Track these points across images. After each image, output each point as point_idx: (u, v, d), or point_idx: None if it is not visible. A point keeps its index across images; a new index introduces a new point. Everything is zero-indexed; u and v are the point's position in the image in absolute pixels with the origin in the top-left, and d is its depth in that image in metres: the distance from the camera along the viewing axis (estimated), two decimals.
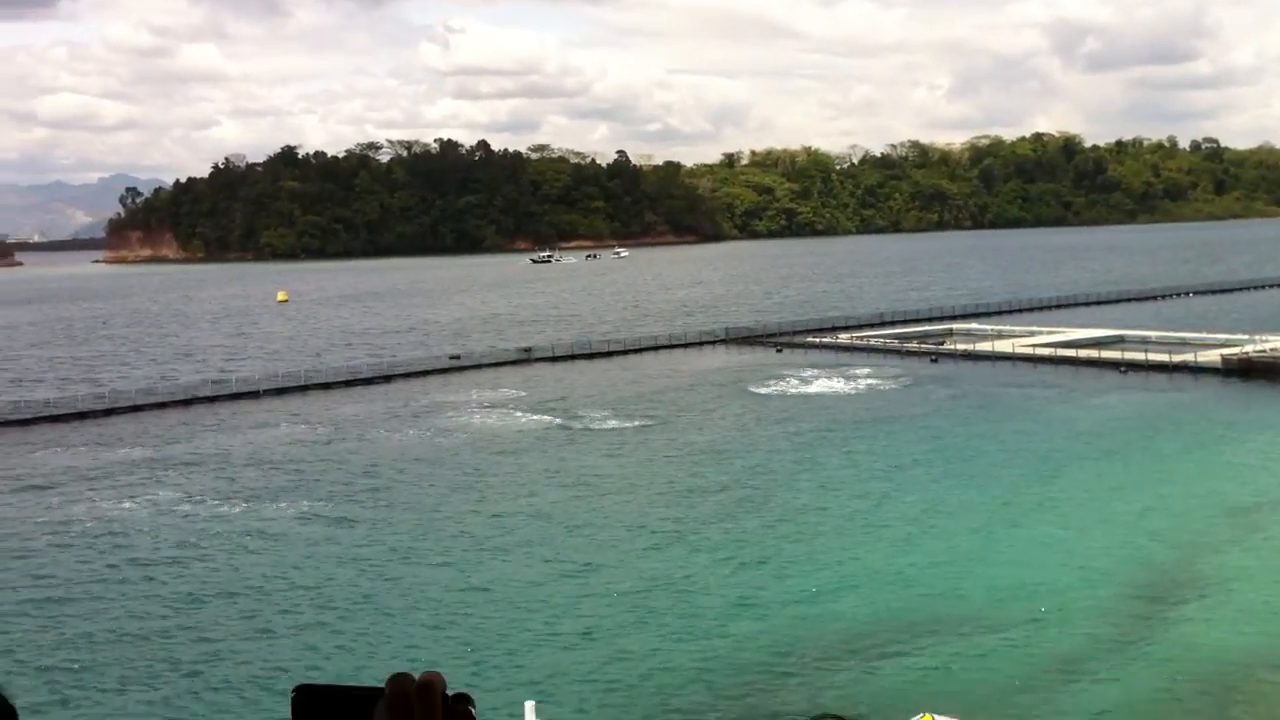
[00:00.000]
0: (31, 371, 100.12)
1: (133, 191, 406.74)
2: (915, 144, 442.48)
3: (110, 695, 29.78)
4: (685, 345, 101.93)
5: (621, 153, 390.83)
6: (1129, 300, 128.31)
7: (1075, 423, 60.74)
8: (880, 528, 42.67)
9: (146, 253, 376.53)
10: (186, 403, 78.30)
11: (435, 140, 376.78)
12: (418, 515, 47.14)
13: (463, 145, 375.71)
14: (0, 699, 2.19)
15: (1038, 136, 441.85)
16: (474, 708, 1.44)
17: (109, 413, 75.17)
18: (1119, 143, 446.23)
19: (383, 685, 1.40)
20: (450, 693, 1.41)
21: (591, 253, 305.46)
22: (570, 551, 41.15)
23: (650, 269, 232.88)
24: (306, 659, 31.90)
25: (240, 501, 50.23)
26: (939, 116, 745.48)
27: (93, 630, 34.67)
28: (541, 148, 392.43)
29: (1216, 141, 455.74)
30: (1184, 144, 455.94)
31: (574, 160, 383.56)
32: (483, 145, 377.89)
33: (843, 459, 54.86)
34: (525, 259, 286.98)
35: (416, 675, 1.39)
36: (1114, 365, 78.77)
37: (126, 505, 50.35)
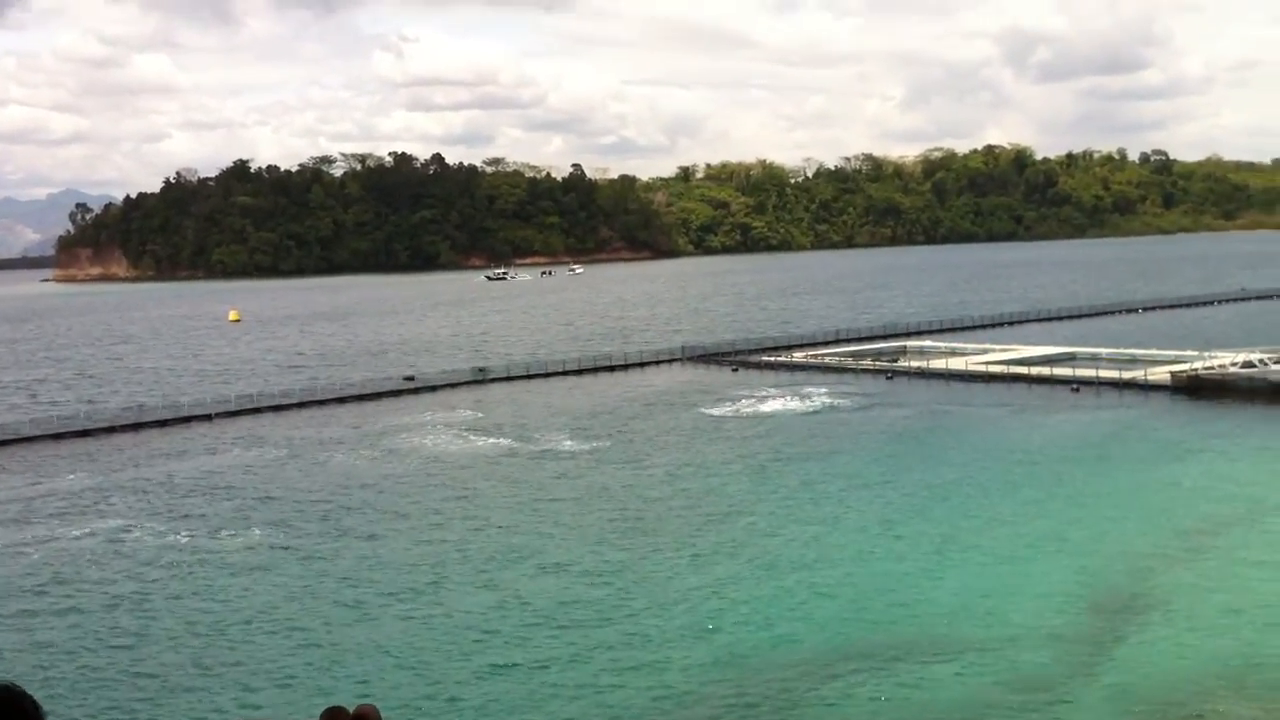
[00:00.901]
0: None
1: (82, 208, 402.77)
2: (869, 157, 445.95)
3: None
4: (641, 364, 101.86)
5: (577, 166, 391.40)
6: (1080, 316, 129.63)
7: (1028, 442, 61.11)
8: (836, 551, 42.66)
9: (97, 271, 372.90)
10: (135, 427, 77.34)
11: (389, 154, 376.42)
12: (368, 543, 46.70)
13: (417, 159, 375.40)
14: (14, 694, 2.30)
15: (989, 149, 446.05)
16: None
17: (57, 437, 74.13)
18: (1069, 155, 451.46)
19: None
20: None
21: (546, 269, 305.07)
22: (521, 579, 40.87)
23: (605, 286, 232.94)
24: (245, 696, 31.42)
25: (189, 530, 49.56)
26: (892, 128, 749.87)
27: (30, 665, 34.03)
28: (496, 161, 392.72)
29: (1165, 154, 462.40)
30: (1134, 156, 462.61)
31: (529, 174, 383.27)
32: (437, 159, 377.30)
33: (797, 480, 54.87)
34: (480, 276, 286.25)
35: (352, 709, 1.34)
36: (1066, 382, 79.38)
37: (74, 533, 49.61)
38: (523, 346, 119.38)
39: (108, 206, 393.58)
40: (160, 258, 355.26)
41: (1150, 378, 77.32)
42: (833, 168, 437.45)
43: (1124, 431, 63.49)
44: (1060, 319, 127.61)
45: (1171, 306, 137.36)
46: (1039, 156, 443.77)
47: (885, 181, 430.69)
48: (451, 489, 56.12)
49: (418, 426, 73.60)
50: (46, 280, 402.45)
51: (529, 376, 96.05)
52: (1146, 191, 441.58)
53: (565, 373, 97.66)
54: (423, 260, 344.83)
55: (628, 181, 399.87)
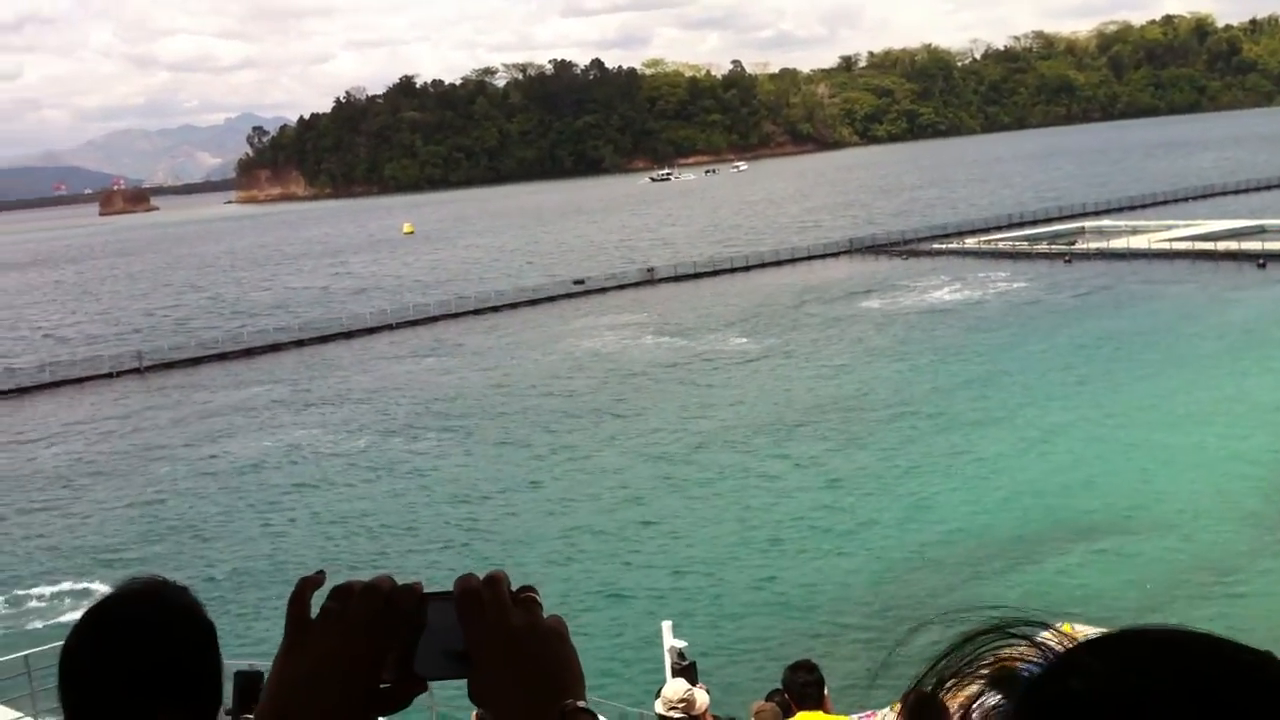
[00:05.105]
0: (182, 311, 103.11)
1: (259, 131, 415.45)
2: (1039, 34, 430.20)
3: (247, 620, 30.85)
4: (809, 258, 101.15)
5: (736, 63, 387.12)
6: (1271, 188, 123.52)
7: (1215, 320, 59.04)
8: (1022, 437, 42.14)
9: (276, 191, 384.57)
10: (322, 339, 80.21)
11: (549, 62, 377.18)
12: (542, 446, 47.85)
13: (576, 65, 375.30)
14: (197, 616, 2.27)
15: (1167, 19, 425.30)
16: (538, 595, 1.48)
17: (248, 353, 77.40)
18: (1254, 21, 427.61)
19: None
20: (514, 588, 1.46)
21: (710, 168, 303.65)
22: (711, 473, 41.48)
23: (769, 182, 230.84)
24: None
25: (369, 436, 51.51)
26: (1062, 4, 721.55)
27: (234, 562, 36.06)
28: (655, 62, 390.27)
29: None
30: None
31: (689, 74, 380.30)
32: (596, 64, 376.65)
33: (976, 369, 54.17)
34: (644, 178, 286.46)
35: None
36: (1253, 257, 76.05)
37: (265, 442, 52.03)
38: (690, 246, 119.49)
39: (283, 128, 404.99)
40: (336, 175, 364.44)
41: None
42: (1001, 48, 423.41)
43: None
44: (1248, 191, 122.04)
45: None
46: (1221, 24, 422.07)
47: (1057, 59, 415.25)
48: (626, 390, 56.97)
49: (589, 329, 74.70)
50: (230, 202, 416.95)
51: (697, 275, 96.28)
52: None
53: (733, 270, 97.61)
54: (587, 165, 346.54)
55: (789, 75, 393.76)
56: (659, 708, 10.83)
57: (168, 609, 2.26)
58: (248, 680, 3.51)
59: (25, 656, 18.42)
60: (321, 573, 1.45)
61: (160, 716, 2.12)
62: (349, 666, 1.42)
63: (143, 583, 2.32)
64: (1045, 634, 0.95)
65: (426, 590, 1.47)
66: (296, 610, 1.46)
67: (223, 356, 76.64)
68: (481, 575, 1.44)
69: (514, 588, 1.45)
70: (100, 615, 2.25)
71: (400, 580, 1.44)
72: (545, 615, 1.46)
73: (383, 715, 1.46)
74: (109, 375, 72.79)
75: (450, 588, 1.43)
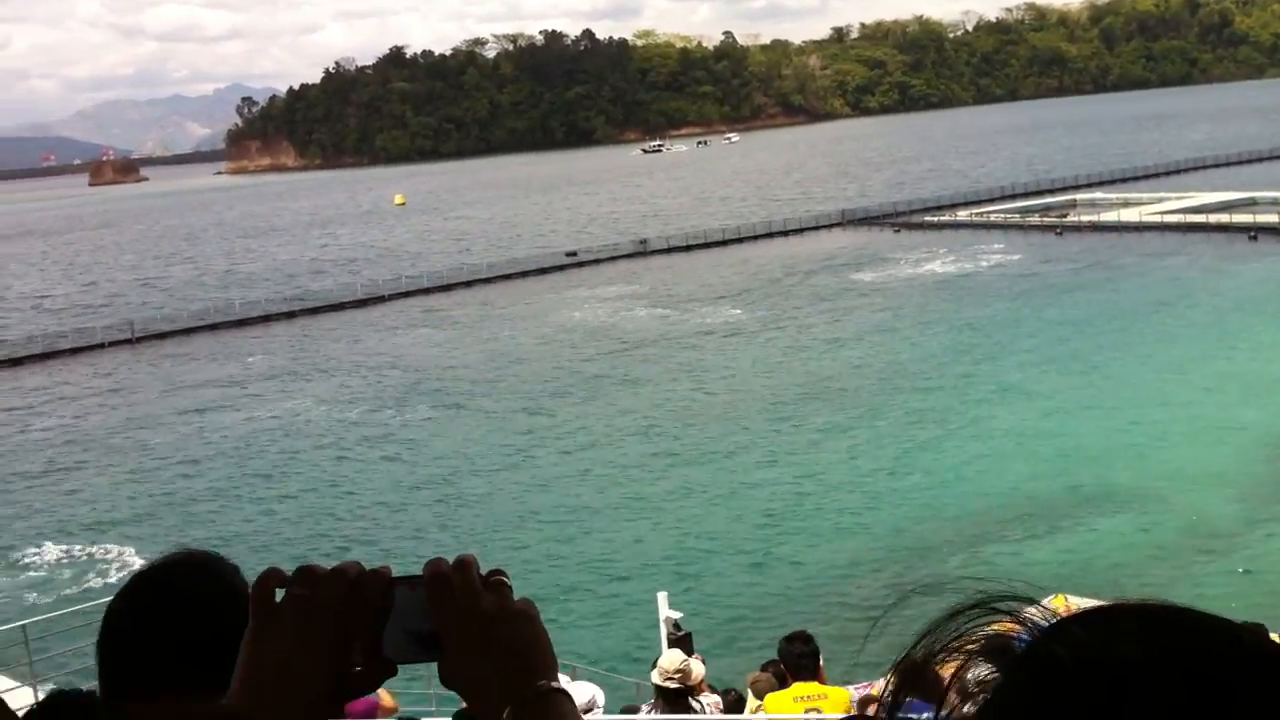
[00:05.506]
0: (171, 282, 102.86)
1: (248, 101, 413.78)
2: (1031, 5, 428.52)
3: None
4: (801, 230, 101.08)
5: (727, 34, 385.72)
6: (1262, 160, 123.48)
7: (1205, 291, 59.16)
8: (1014, 410, 42.21)
9: (266, 162, 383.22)
10: (314, 310, 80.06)
11: (540, 32, 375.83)
12: (534, 419, 47.89)
13: (567, 36, 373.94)
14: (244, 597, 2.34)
15: None
16: (508, 578, 1.49)
17: (240, 323, 77.22)
18: None
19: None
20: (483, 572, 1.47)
21: (702, 140, 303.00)
22: (704, 446, 41.56)
23: (761, 153, 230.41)
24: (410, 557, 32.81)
25: (361, 407, 51.51)
26: None
27: (224, 534, 36.11)
28: (647, 33, 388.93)
29: None
30: None
31: (680, 45, 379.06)
32: (587, 34, 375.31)
33: (966, 340, 54.27)
34: (636, 149, 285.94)
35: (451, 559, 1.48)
36: (1244, 230, 76.11)
37: (258, 414, 52.01)
38: (682, 217, 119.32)
39: (272, 98, 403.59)
40: (326, 146, 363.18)
41: None
42: (993, 19, 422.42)
43: None
44: (1239, 164, 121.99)
45: None
46: None
47: (1050, 30, 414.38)
48: (619, 361, 57.00)
49: (582, 301, 74.65)
50: (219, 173, 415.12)
51: (689, 247, 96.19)
52: None
53: (725, 242, 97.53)
54: (578, 136, 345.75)
55: (780, 46, 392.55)
56: (655, 678, 10.89)
57: (221, 584, 2.23)
58: None
59: (23, 626, 18.46)
60: (282, 570, 1.46)
61: (200, 692, 2.07)
62: (318, 650, 1.42)
63: (197, 554, 2.31)
64: (1031, 609, 0.99)
65: (395, 574, 1.48)
66: (261, 596, 1.46)
67: (214, 327, 76.44)
68: (451, 559, 1.45)
69: (484, 571, 1.47)
70: (153, 580, 2.24)
71: (375, 563, 1.45)
72: (517, 597, 1.47)
73: (352, 699, 1.48)
74: (100, 346, 72.63)
75: (420, 571, 1.44)
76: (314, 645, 1.42)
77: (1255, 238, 73.92)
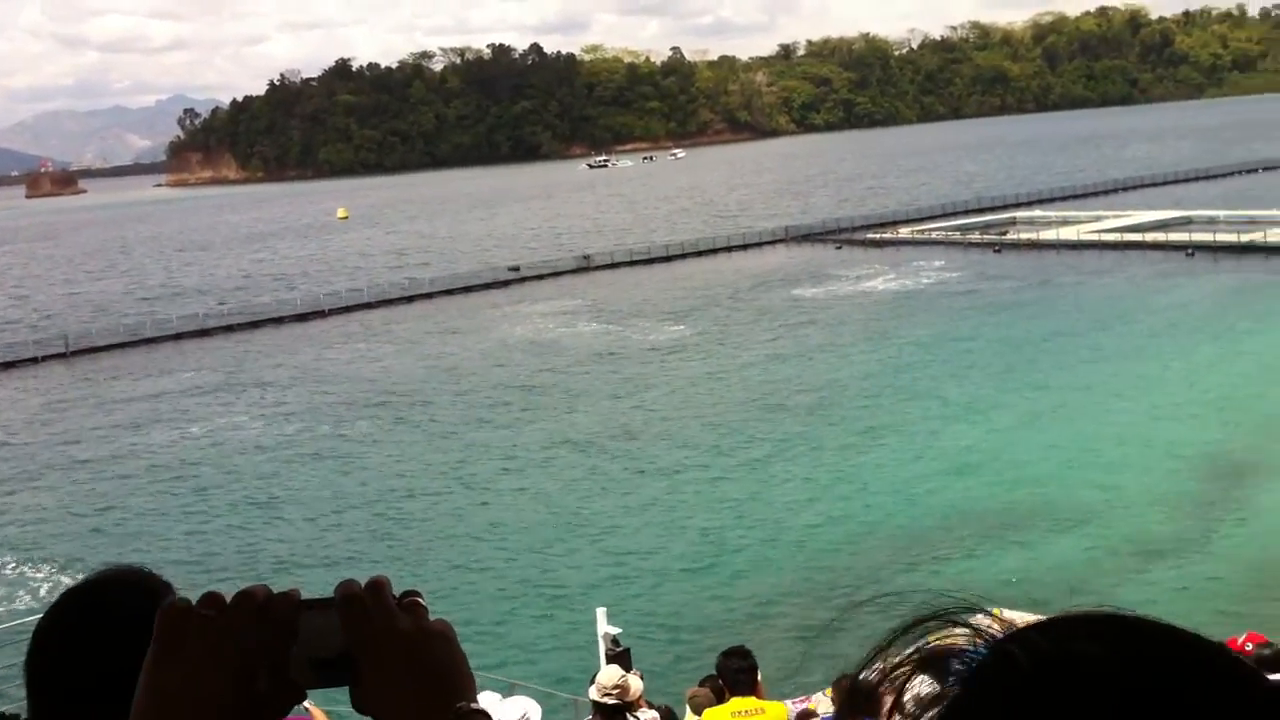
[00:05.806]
0: (106, 296, 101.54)
1: (190, 113, 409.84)
2: (976, 24, 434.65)
3: None
4: (745, 246, 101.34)
5: (675, 49, 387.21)
6: (1197, 179, 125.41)
7: (1140, 310, 59.83)
8: (952, 426, 42.42)
9: (208, 174, 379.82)
10: (253, 325, 79.19)
11: (487, 46, 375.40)
12: (474, 435, 47.57)
13: (514, 50, 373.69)
14: (145, 582, 2.23)
15: (1102, 9, 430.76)
16: (423, 599, 1.46)
17: (177, 338, 76.22)
18: (1186, 13, 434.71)
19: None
20: (397, 593, 1.44)
21: (648, 155, 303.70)
22: (643, 462, 41.41)
23: (707, 170, 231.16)
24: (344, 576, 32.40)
25: (298, 422, 50.95)
26: None
27: (156, 553, 35.51)
28: (594, 48, 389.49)
29: None
30: (1254, 11, 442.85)
31: (627, 60, 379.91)
32: (535, 49, 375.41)
33: (906, 358, 54.52)
34: (582, 165, 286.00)
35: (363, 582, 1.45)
36: (1181, 248, 77.11)
37: (194, 430, 51.30)
38: (626, 233, 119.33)
39: (215, 110, 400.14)
40: (269, 159, 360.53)
41: (1270, 239, 74.91)
42: (938, 38, 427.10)
43: (1241, 295, 61.82)
44: (1176, 182, 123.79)
45: None
46: (1154, 16, 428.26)
47: (993, 49, 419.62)
48: (557, 377, 56.77)
49: (524, 316, 74.36)
50: (159, 185, 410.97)
51: (632, 263, 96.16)
52: (1268, 48, 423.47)
53: (669, 258, 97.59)
54: (525, 151, 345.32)
55: (727, 63, 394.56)
56: (593, 694, 10.77)
57: (153, 600, 2.03)
58: None
59: None
60: (188, 600, 1.43)
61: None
62: (223, 675, 1.39)
63: (128, 571, 2.25)
64: (982, 618, 0.99)
65: (306, 596, 1.45)
66: (164, 620, 1.42)
67: (151, 341, 75.36)
68: (363, 581, 1.42)
69: (398, 592, 1.45)
70: (84, 597, 2.20)
71: (306, 585, 1.42)
72: (433, 618, 1.44)
73: None
74: (34, 360, 71.42)
75: (331, 594, 1.42)
76: (218, 669, 1.39)
77: (1192, 254, 74.92)
